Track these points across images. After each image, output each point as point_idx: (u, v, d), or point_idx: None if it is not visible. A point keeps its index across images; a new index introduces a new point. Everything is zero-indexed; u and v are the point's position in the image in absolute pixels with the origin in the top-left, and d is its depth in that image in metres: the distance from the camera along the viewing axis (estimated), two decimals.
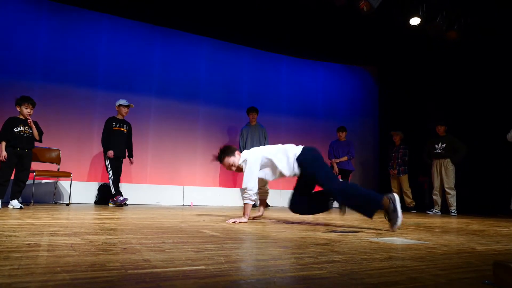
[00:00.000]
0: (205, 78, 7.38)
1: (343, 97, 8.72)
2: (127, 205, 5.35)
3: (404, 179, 6.92)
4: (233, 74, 7.69)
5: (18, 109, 4.41)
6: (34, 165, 5.20)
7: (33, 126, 4.47)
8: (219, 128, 7.39)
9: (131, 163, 5.61)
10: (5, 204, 4.22)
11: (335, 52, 8.25)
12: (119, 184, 5.40)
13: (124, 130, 5.52)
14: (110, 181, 5.29)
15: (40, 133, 4.59)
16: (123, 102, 5.55)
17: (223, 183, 7.35)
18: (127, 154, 5.59)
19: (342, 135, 7.06)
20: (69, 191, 5.47)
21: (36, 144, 5.36)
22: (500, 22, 6.33)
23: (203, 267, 1.20)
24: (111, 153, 5.27)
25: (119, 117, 5.54)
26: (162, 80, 6.97)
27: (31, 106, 4.43)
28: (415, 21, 6.32)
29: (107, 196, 5.47)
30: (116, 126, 5.44)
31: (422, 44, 7.38)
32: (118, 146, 5.39)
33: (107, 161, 5.32)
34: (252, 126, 6.70)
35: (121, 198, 5.23)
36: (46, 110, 5.94)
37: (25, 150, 4.36)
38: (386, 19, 6.66)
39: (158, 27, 7.03)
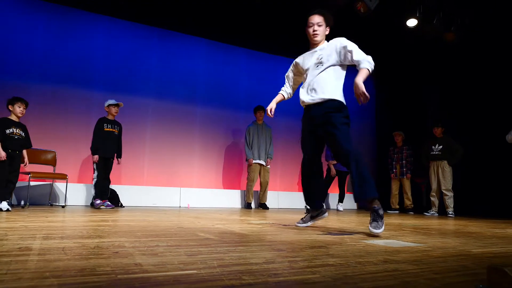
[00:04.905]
0: (203, 79, 7.37)
1: None
2: (112, 207, 5.21)
3: (408, 180, 6.90)
4: (230, 75, 7.68)
5: (10, 109, 4.36)
6: (30, 167, 5.17)
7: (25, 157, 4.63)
8: (217, 129, 7.38)
9: (118, 163, 5.48)
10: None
11: None
12: (109, 186, 5.36)
13: (115, 131, 5.42)
14: (94, 182, 5.19)
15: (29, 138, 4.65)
16: (112, 102, 5.42)
17: (218, 185, 7.33)
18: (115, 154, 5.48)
19: None
20: (65, 193, 5.44)
21: (32, 145, 5.34)
22: (497, 23, 6.34)
23: (195, 271, 1.19)
24: (96, 158, 5.17)
25: (110, 117, 5.43)
26: (160, 81, 6.95)
27: (24, 105, 4.41)
28: (412, 22, 6.33)
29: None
30: (107, 127, 5.34)
31: (420, 45, 7.39)
32: (108, 147, 5.29)
33: (95, 162, 5.24)
34: (259, 124, 6.71)
35: (98, 202, 5.11)
36: (42, 111, 5.92)
37: (15, 152, 4.33)
38: (383, 20, 6.67)
39: (156, 28, 7.01)
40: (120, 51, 6.69)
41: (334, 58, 2.78)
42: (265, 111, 6.76)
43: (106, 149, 5.29)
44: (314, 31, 2.82)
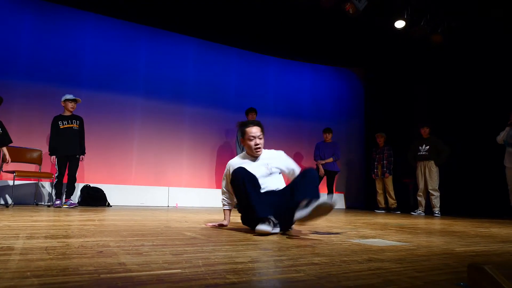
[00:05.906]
0: (192, 79, 7.33)
1: (329, 98, 8.77)
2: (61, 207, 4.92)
3: (389, 180, 7.00)
4: (220, 75, 7.65)
5: None
6: (14, 166, 5.09)
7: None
8: (206, 129, 7.35)
9: (81, 159, 5.24)
10: None
11: (322, 54, 8.28)
12: (74, 184, 5.17)
13: (75, 126, 5.18)
14: (54, 182, 5.02)
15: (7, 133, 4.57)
16: (69, 96, 5.19)
17: (211, 185, 7.31)
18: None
19: (328, 136, 7.09)
20: (50, 192, 5.36)
21: (17, 144, 5.26)
22: (483, 25, 6.45)
23: (179, 270, 1.18)
24: (53, 159, 4.99)
25: (67, 113, 5.20)
26: (148, 80, 6.90)
27: None
28: (400, 24, 6.39)
29: (90, 197, 5.36)
30: (63, 124, 5.11)
31: (408, 46, 7.47)
32: (68, 145, 5.07)
33: (56, 161, 5.04)
34: None
35: (57, 202, 4.92)
36: (28, 109, 5.82)
37: None
38: (372, 21, 6.72)
39: (145, 26, 6.95)
40: (108, 49, 6.62)
41: (279, 168, 2.75)
42: (256, 113, 6.74)
43: (67, 147, 5.05)
44: (256, 144, 2.71)
